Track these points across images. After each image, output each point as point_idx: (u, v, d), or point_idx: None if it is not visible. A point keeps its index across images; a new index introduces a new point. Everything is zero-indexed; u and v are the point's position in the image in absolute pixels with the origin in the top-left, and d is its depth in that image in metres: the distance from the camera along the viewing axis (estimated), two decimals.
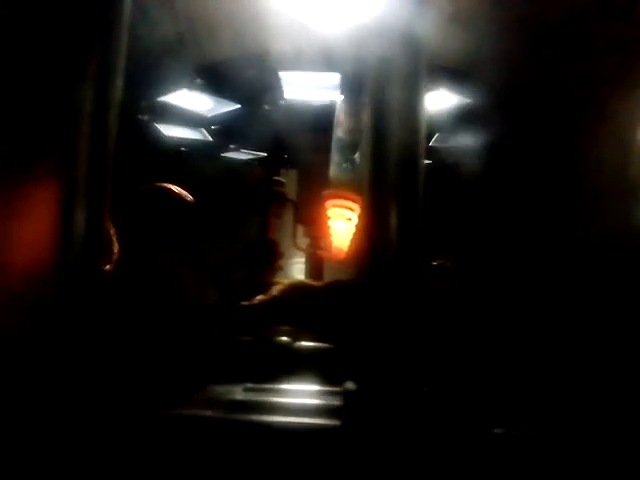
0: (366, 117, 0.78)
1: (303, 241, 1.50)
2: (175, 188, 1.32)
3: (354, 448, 0.72)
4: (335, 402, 0.90)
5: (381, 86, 0.77)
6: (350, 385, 0.73)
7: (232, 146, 1.55)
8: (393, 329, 0.72)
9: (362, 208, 0.76)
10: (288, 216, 1.48)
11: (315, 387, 1.00)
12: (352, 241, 1.32)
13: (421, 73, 0.78)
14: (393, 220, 0.73)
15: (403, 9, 0.78)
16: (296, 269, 1.65)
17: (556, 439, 0.75)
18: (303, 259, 1.61)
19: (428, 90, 0.79)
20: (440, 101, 1.44)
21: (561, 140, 1.48)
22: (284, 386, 1.01)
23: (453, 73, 1.38)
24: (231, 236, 1.47)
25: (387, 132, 0.75)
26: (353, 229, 1.31)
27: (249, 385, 1.02)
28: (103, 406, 0.81)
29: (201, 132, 1.50)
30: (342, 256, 1.33)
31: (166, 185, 1.31)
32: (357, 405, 0.72)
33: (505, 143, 1.57)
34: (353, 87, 1.30)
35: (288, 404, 0.93)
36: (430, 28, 0.80)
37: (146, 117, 1.39)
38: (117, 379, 0.89)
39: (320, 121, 1.38)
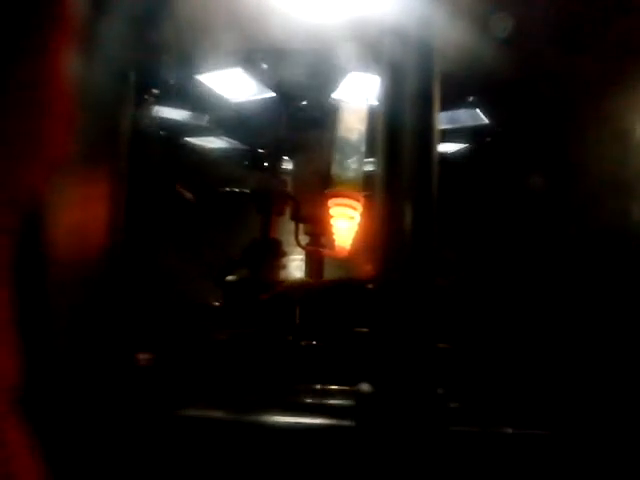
0: (380, 118, 0.78)
1: (303, 239, 1.50)
2: (176, 187, 1.32)
3: (368, 449, 0.72)
4: (345, 402, 0.90)
5: (394, 88, 0.77)
6: (365, 387, 0.73)
7: (233, 145, 1.54)
8: (408, 330, 0.72)
9: (377, 209, 0.76)
10: (288, 214, 1.48)
11: (322, 386, 1.00)
12: (355, 240, 1.32)
13: (434, 74, 0.78)
14: (407, 222, 0.73)
15: (416, 11, 0.77)
16: (295, 267, 1.65)
17: (571, 438, 0.75)
18: (302, 257, 1.61)
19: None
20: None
21: (559, 139, 1.49)
22: (291, 386, 1.01)
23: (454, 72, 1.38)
24: (233, 234, 1.46)
25: (401, 133, 0.75)
26: (356, 228, 1.31)
27: (256, 386, 1.01)
28: (115, 408, 0.80)
29: (201, 130, 1.49)
30: (345, 254, 1.33)
31: (166, 184, 1.30)
32: (371, 406, 0.72)
33: (504, 142, 1.58)
34: (356, 85, 1.29)
35: (297, 404, 0.93)
36: (442, 30, 0.80)
37: (146, 116, 1.37)
38: (123, 380, 0.88)
39: (322, 119, 1.37)
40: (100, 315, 0.73)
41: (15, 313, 0.27)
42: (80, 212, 0.66)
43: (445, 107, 1.44)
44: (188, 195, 1.31)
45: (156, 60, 1.18)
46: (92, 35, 0.56)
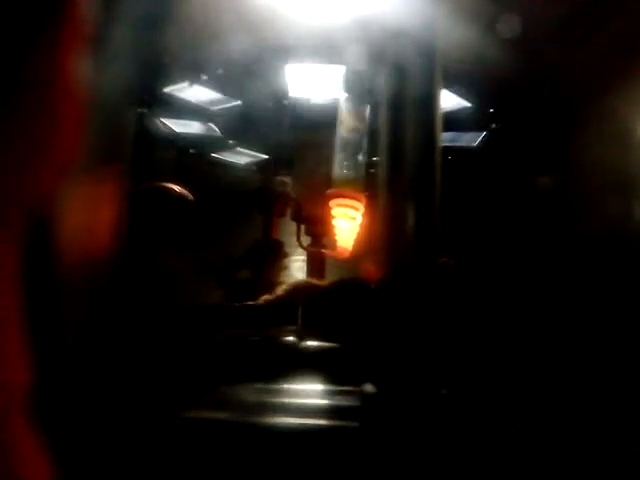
0: (382, 119, 0.78)
1: (304, 239, 1.50)
2: (176, 187, 1.31)
3: (372, 450, 0.72)
4: (348, 403, 0.90)
5: (397, 88, 0.77)
6: (369, 387, 0.73)
7: (235, 144, 1.54)
8: (412, 331, 0.72)
9: (379, 210, 0.76)
10: (289, 214, 1.48)
11: (325, 387, 1.00)
12: (356, 240, 1.32)
13: (437, 73, 0.78)
14: (410, 222, 0.73)
15: (419, 12, 0.78)
16: (296, 267, 1.65)
17: (572, 438, 0.75)
18: (303, 257, 1.61)
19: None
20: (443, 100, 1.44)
21: (560, 138, 1.49)
22: (294, 387, 1.01)
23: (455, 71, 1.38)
24: (234, 235, 1.46)
25: (404, 133, 0.76)
26: (357, 228, 1.31)
27: (259, 386, 1.01)
28: (116, 409, 0.80)
29: (202, 128, 1.49)
30: (347, 255, 1.33)
31: (166, 185, 1.30)
32: (375, 407, 0.72)
33: (505, 142, 1.58)
34: (357, 85, 1.29)
35: (300, 405, 0.93)
36: (444, 28, 0.80)
37: (148, 112, 1.37)
38: (126, 382, 0.88)
39: (323, 119, 1.37)
40: (109, 317, 0.73)
41: (25, 317, 0.27)
42: (88, 216, 0.66)
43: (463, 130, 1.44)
44: (188, 196, 1.31)
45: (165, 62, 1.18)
46: (101, 39, 0.57)
